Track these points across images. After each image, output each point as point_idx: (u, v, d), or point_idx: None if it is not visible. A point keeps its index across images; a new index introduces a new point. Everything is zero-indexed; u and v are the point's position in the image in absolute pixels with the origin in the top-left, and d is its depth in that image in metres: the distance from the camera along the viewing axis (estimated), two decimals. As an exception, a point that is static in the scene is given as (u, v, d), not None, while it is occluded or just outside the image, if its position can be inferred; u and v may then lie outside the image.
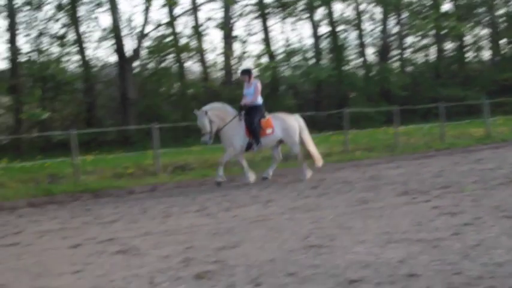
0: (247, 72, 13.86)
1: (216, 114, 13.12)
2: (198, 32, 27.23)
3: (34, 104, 22.89)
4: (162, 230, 8.59)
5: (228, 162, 14.01)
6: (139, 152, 17.31)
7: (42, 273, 6.45)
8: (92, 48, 29.99)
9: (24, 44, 25.21)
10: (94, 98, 26.16)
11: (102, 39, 26.12)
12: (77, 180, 13.95)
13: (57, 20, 25.39)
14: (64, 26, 25.50)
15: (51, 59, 24.86)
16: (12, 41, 23.69)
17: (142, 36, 25.36)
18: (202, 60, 28.59)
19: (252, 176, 13.47)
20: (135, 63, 26.24)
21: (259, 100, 13.49)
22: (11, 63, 23.99)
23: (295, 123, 13.87)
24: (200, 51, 27.71)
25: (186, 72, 28.67)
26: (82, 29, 25.92)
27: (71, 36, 25.63)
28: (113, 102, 27.33)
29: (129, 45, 25.69)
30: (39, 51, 24.85)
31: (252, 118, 13.24)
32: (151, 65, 27.94)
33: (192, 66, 29.55)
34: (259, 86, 13.49)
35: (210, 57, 29.67)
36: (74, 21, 25.11)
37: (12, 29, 23.77)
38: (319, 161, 14.17)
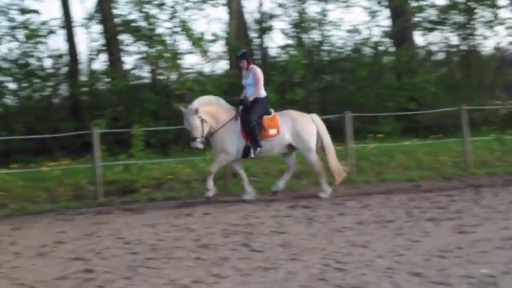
0: (243, 56, 10.93)
1: (208, 112, 10.52)
2: None
3: None
4: None
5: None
6: None
7: None
8: None
9: None
10: None
11: None
12: None
13: None
14: None
15: None
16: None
17: None
18: None
19: (251, 193, 10.92)
20: None
21: (263, 92, 10.87)
22: None
23: (312, 125, 11.08)
24: None
25: None
26: None
27: None
28: None
29: None
30: None
31: (249, 115, 10.54)
32: None
33: None
34: (259, 73, 10.75)
35: None
36: None
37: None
38: (339, 177, 11.18)
